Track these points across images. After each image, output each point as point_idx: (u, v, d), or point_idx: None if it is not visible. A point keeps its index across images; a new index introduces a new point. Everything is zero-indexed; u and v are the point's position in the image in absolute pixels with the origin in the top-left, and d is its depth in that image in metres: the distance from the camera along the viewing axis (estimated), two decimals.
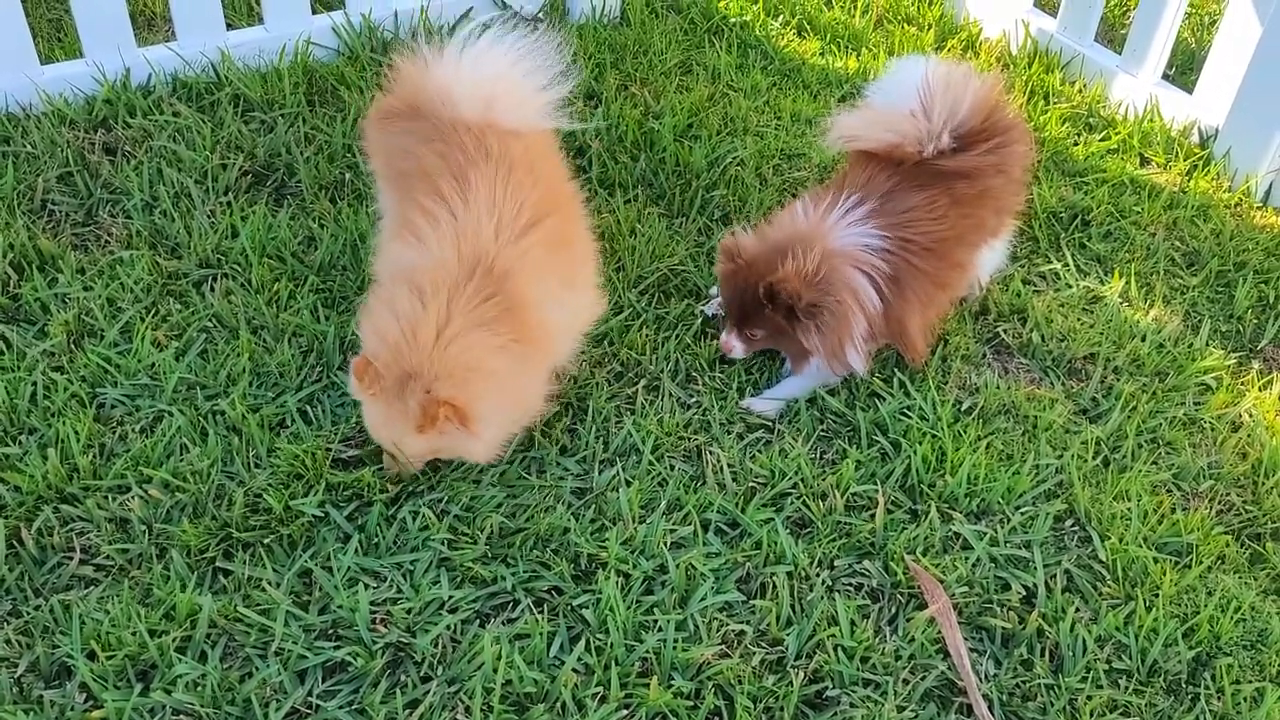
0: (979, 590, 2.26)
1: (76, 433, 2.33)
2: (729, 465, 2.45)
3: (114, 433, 2.38)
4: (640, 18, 4.00)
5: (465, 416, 2.08)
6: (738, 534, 2.33)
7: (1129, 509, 2.45)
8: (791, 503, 2.39)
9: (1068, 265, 3.11)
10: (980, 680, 2.13)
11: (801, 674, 2.08)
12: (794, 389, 2.62)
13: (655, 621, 2.14)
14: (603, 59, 3.74)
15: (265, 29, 3.51)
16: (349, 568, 2.17)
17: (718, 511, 2.35)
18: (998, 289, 2.99)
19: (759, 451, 2.50)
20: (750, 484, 2.43)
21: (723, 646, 2.13)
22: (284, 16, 3.50)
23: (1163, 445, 2.63)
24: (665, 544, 2.27)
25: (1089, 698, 2.10)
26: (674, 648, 2.08)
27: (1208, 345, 2.92)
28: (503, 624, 2.13)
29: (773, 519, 2.34)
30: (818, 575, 2.26)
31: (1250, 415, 2.73)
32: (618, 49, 3.81)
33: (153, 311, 2.67)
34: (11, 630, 2.03)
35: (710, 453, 2.48)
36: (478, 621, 2.13)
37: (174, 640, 2.02)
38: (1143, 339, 2.89)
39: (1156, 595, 2.28)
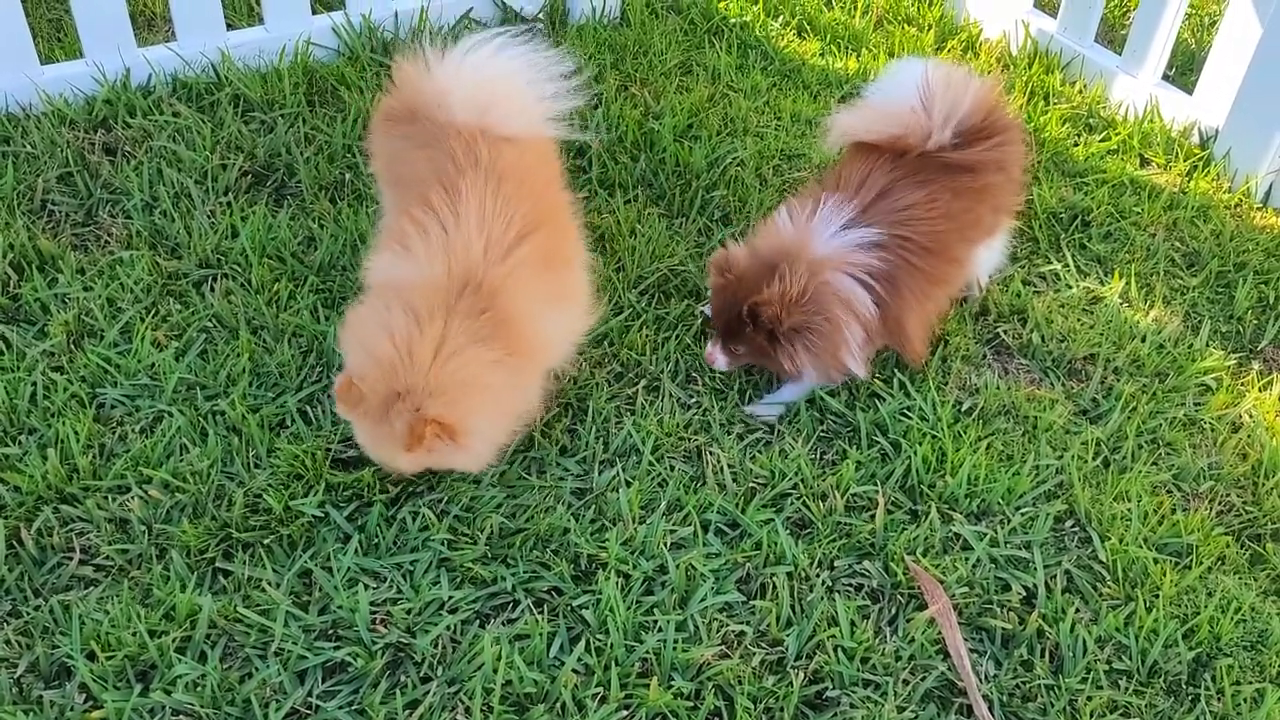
0: (979, 591, 2.26)
1: (76, 433, 2.33)
2: (729, 466, 2.45)
3: (114, 433, 2.38)
4: (640, 18, 4.00)
5: (454, 432, 2.07)
6: (738, 534, 2.33)
7: (1129, 510, 2.45)
8: (792, 503, 2.39)
9: (1068, 266, 3.11)
10: (980, 681, 2.13)
11: (801, 674, 2.08)
12: (794, 393, 2.62)
13: (655, 622, 2.14)
14: (603, 60, 3.74)
15: (265, 29, 3.51)
16: (349, 568, 2.17)
17: (718, 512, 2.35)
18: (998, 289, 2.99)
19: (759, 452, 2.50)
20: (750, 484, 2.43)
21: (723, 647, 2.13)
22: (284, 17, 3.50)
23: (1163, 446, 2.63)
24: (665, 544, 2.27)
25: (1089, 698, 2.10)
26: (674, 648, 2.08)
27: (1208, 346, 2.92)
28: (503, 624, 2.13)
29: (773, 519, 2.34)
30: (818, 576, 2.26)
31: (1250, 416, 2.73)
32: (618, 49, 3.81)
33: (153, 312, 2.66)
34: (11, 630, 2.03)
35: (710, 453, 2.48)
36: (478, 622, 2.13)
37: (174, 640, 2.02)
38: (1143, 339, 2.89)
39: (1157, 596, 2.28)
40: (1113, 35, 4.33)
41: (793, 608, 2.20)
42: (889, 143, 2.62)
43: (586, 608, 2.14)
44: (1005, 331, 2.88)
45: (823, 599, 2.21)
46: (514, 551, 2.23)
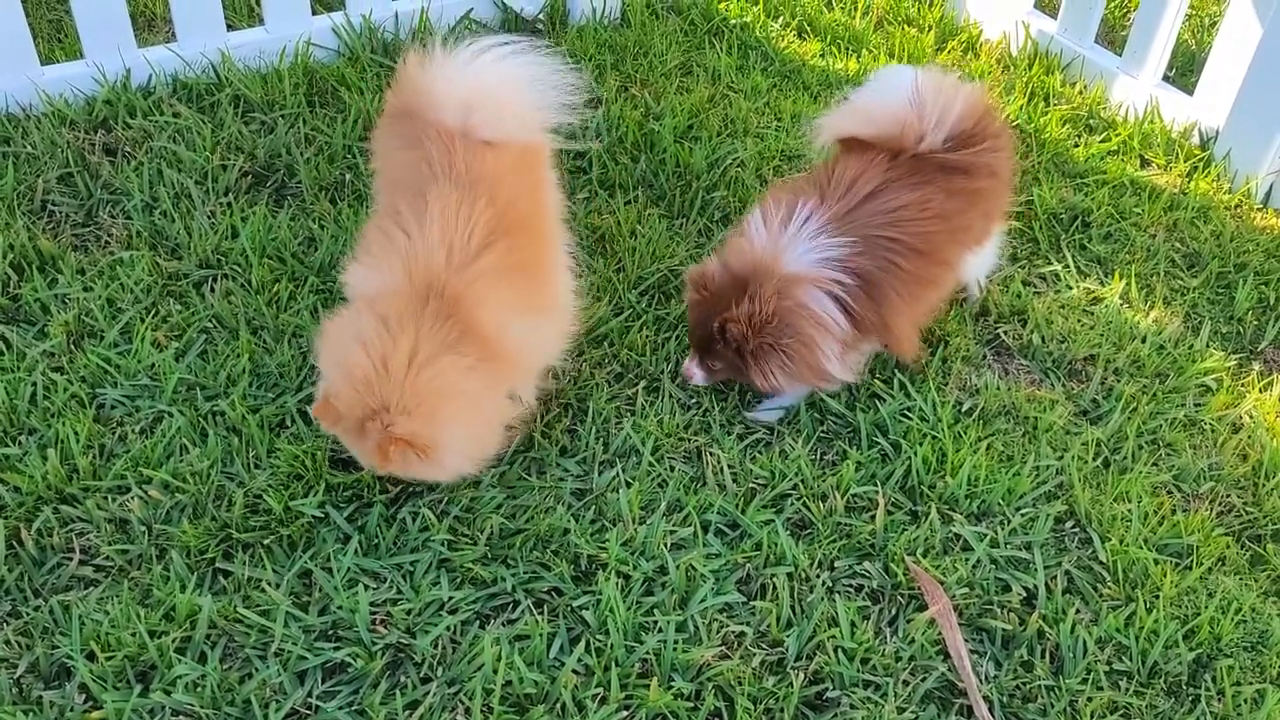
0: (979, 591, 2.26)
1: (76, 433, 2.33)
2: (729, 466, 2.45)
3: (114, 433, 2.38)
4: (640, 19, 4.00)
5: (425, 448, 2.06)
6: (738, 535, 2.33)
7: (1129, 510, 2.45)
8: (792, 504, 2.39)
9: (1068, 267, 3.11)
10: (981, 682, 2.13)
11: (802, 675, 2.08)
12: (793, 397, 2.61)
13: (655, 622, 2.13)
14: (603, 60, 3.74)
15: (266, 30, 3.51)
16: (349, 568, 2.17)
17: (718, 513, 2.35)
18: (998, 290, 2.99)
19: (759, 453, 2.50)
20: (750, 485, 2.43)
21: (723, 648, 2.13)
22: (284, 17, 3.50)
23: (1163, 447, 2.63)
24: (665, 545, 2.26)
25: (1089, 699, 2.10)
26: (674, 649, 2.08)
27: (1208, 347, 2.92)
28: (503, 625, 2.13)
29: (773, 520, 2.34)
30: (818, 576, 2.26)
31: (1251, 417, 2.73)
32: (618, 50, 3.82)
33: (153, 312, 2.66)
34: (11, 631, 2.03)
35: (710, 454, 2.48)
36: (478, 622, 2.13)
37: (174, 641, 2.02)
38: (1143, 340, 2.89)
39: (1157, 597, 2.28)
40: (1113, 36, 4.33)
41: (793, 608, 2.20)
42: (882, 143, 2.60)
43: (586, 608, 2.14)
44: (1005, 332, 2.88)
45: (823, 600, 2.21)
46: (514, 552, 2.23)
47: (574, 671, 2.05)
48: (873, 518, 2.37)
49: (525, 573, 2.20)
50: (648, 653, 2.08)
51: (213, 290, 2.74)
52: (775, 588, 2.22)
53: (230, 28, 3.51)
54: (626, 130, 3.38)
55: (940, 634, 2.17)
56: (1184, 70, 4.11)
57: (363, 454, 2.18)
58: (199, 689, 1.96)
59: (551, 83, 2.48)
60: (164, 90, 3.33)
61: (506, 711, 1.98)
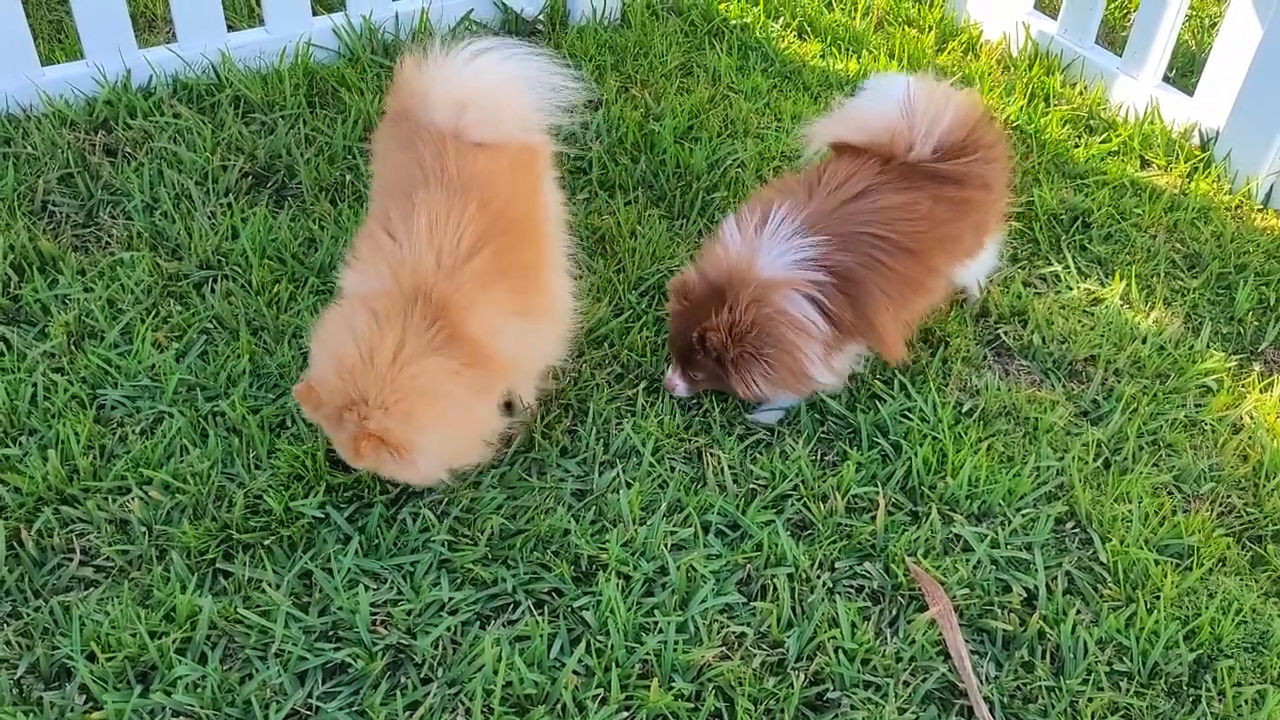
0: (980, 592, 2.26)
1: (77, 434, 2.33)
2: (729, 467, 2.45)
3: (114, 434, 2.38)
4: (641, 20, 4.00)
5: (398, 447, 2.05)
6: (738, 536, 2.33)
7: (1130, 511, 2.45)
8: (792, 504, 2.39)
9: (1068, 267, 3.11)
10: (981, 682, 2.13)
11: (802, 676, 2.08)
12: (792, 399, 2.61)
13: (656, 623, 2.13)
14: (603, 61, 3.74)
15: (266, 30, 3.51)
16: (349, 569, 2.17)
17: (718, 513, 2.35)
18: (998, 291, 2.99)
19: (760, 453, 2.50)
20: (751, 486, 2.43)
21: (723, 648, 2.12)
22: (285, 18, 3.50)
23: (1164, 447, 2.63)
24: (666, 546, 2.26)
25: (1090, 700, 2.10)
26: (674, 649, 2.08)
27: (1208, 347, 2.92)
28: (503, 626, 2.13)
29: (773, 521, 2.34)
30: (818, 577, 2.25)
31: (1251, 417, 2.73)
32: (618, 51, 3.82)
33: (153, 313, 2.66)
34: (11, 631, 2.03)
35: (711, 454, 2.48)
36: (478, 623, 2.13)
37: (174, 642, 2.02)
38: (1143, 341, 2.89)
39: (1158, 597, 2.28)
40: (1113, 37, 4.33)
41: (793, 609, 2.20)
42: (873, 150, 2.59)
43: (587, 609, 2.14)
44: (1006, 333, 2.88)
45: (823, 600, 2.21)
46: (514, 553, 2.23)
47: (574, 672, 2.05)
48: (873, 518, 2.37)
49: (526, 573, 2.20)
50: (648, 653, 2.08)
51: (213, 291, 2.74)
52: (776, 588, 2.22)
53: (230, 28, 3.51)
54: (627, 131, 3.38)
55: (941, 635, 2.17)
56: (1184, 71, 4.11)
57: (340, 445, 2.17)
58: (199, 690, 1.96)
59: (549, 84, 2.47)
60: (164, 91, 3.33)
61: (507, 712, 1.98)
